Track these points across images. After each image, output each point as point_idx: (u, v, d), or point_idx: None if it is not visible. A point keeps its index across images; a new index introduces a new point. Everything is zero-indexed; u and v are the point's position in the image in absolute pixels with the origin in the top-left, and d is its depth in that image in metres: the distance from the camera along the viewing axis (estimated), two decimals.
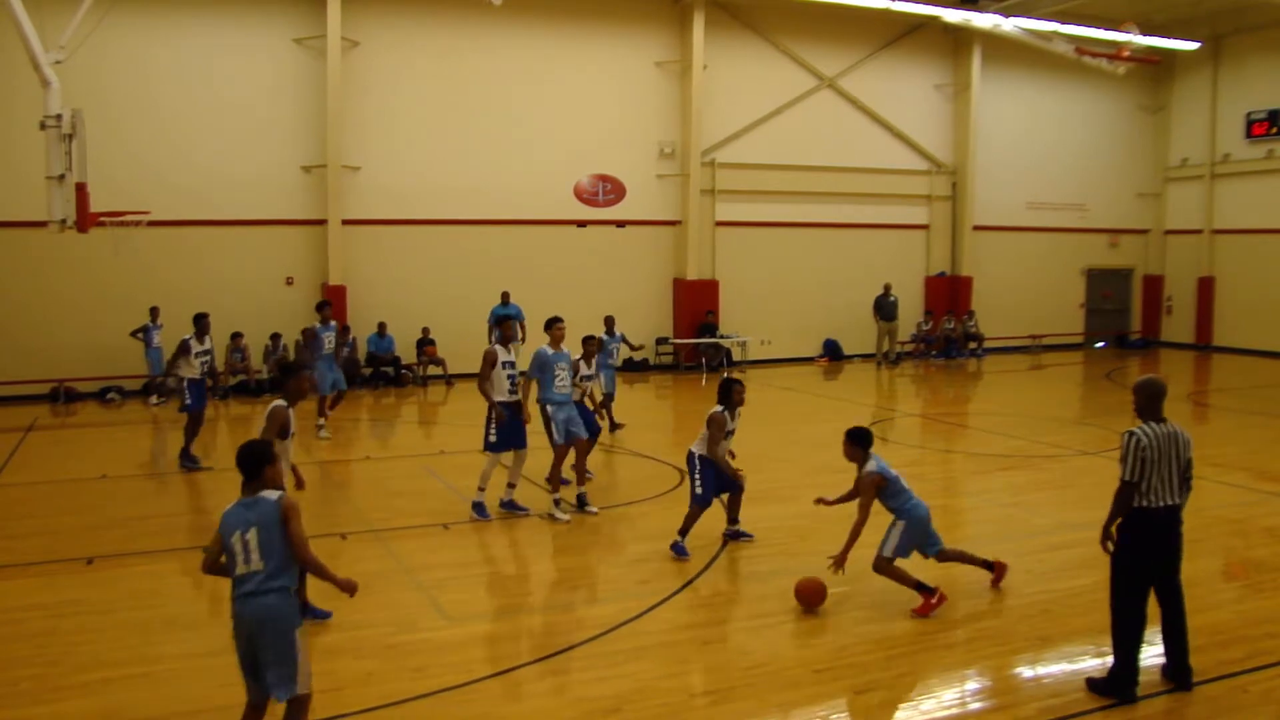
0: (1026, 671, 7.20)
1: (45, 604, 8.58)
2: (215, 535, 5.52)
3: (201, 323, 14.55)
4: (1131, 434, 6.52)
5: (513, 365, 11.47)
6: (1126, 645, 6.60)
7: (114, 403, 19.99)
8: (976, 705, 6.76)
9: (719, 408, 9.75)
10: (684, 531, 9.73)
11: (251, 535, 5.33)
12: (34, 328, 19.88)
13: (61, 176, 14.68)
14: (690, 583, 8.95)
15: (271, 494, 5.50)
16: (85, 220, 14.87)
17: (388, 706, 6.58)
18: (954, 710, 6.64)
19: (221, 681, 6.81)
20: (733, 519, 10.28)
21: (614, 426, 16.39)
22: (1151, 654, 7.43)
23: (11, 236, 19.40)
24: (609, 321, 17.36)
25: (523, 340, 19.12)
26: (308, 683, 5.45)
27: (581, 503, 11.49)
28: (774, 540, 10.38)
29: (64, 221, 14.81)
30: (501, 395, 11.18)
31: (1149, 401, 6.62)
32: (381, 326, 22.23)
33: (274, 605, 5.31)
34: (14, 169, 18.63)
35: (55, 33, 15.03)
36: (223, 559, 5.52)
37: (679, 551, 9.66)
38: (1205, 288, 29.79)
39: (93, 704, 6.73)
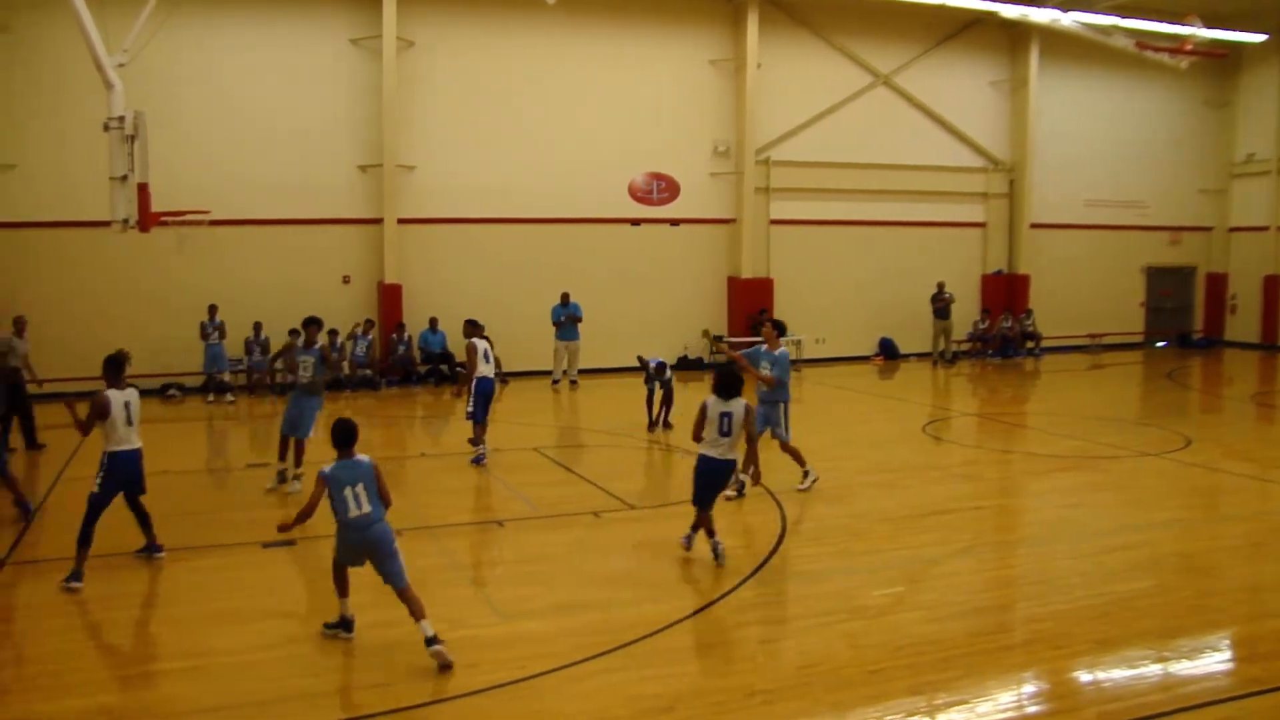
0: (1085, 675, 7.07)
1: (98, 596, 8.71)
2: (317, 486, 7.33)
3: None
4: None
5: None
6: None
7: (175, 399, 20.31)
8: (1034, 709, 6.66)
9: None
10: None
11: (360, 489, 7.35)
12: (96, 326, 20.15)
13: (124, 177, 14.95)
14: (744, 582, 8.90)
15: (364, 457, 7.49)
16: (147, 220, 15.13)
17: (440, 702, 6.62)
18: (1011, 713, 6.54)
19: (270, 676, 6.91)
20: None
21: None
22: (1215, 659, 7.30)
23: (74, 236, 19.75)
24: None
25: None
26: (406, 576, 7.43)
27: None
28: (828, 540, 10.31)
29: (126, 221, 15.07)
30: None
31: None
32: (433, 322, 22.31)
33: (386, 530, 7.46)
34: (75, 170, 18.97)
35: (118, 36, 15.29)
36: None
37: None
38: (1272, 286, 29.13)
39: (144, 696, 6.84)
